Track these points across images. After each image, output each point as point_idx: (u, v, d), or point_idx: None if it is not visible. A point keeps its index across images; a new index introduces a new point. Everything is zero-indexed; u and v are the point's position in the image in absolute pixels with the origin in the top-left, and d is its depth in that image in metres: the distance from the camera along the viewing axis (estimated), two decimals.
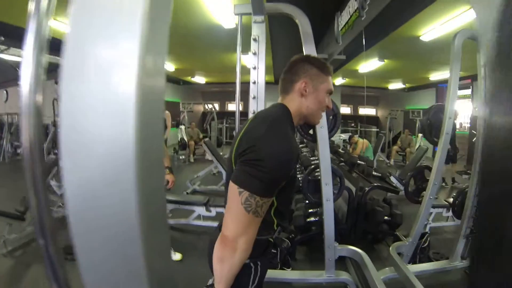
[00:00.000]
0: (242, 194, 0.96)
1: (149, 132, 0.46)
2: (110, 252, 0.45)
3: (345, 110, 12.64)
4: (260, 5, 2.14)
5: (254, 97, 2.23)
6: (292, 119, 1.19)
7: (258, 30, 2.22)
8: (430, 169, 2.66)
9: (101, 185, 0.43)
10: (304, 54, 1.30)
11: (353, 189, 3.25)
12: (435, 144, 2.62)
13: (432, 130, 2.72)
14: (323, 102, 1.21)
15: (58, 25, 3.90)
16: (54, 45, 0.59)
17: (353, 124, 10.63)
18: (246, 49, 2.27)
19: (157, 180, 0.51)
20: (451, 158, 5.44)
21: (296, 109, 1.20)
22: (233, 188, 0.98)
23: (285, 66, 1.25)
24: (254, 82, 2.22)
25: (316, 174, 2.75)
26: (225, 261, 1.00)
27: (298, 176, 3.37)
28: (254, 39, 2.21)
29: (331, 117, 2.55)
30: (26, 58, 0.49)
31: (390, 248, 2.60)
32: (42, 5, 0.49)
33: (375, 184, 3.33)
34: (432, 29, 4.37)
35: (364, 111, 12.83)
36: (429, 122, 2.73)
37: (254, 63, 2.22)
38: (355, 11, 3.10)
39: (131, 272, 0.46)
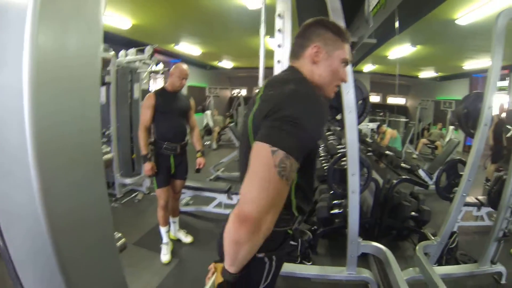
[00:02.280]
0: (276, 154, 0.76)
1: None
2: None
3: (374, 98, 12.16)
4: None
5: None
6: None
7: (284, 6, 2.06)
8: (464, 163, 2.44)
9: None
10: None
11: (380, 181, 3.06)
12: (471, 135, 2.37)
13: (468, 120, 2.46)
14: (337, 73, 1.04)
15: None
16: None
17: (381, 114, 10.18)
18: (272, 32, 2.11)
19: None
20: (493, 156, 5.13)
21: (307, 77, 1.03)
22: (261, 149, 0.79)
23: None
24: (279, 61, 2.06)
25: (343, 163, 2.57)
26: (243, 243, 0.79)
27: (324, 165, 3.20)
28: (279, 15, 2.05)
29: (360, 102, 2.34)
30: None
31: (417, 248, 2.43)
32: None
33: (404, 177, 3.11)
34: (470, 11, 3.99)
35: (393, 100, 12.34)
36: (465, 111, 2.46)
37: (279, 41, 2.06)
38: None
39: None
